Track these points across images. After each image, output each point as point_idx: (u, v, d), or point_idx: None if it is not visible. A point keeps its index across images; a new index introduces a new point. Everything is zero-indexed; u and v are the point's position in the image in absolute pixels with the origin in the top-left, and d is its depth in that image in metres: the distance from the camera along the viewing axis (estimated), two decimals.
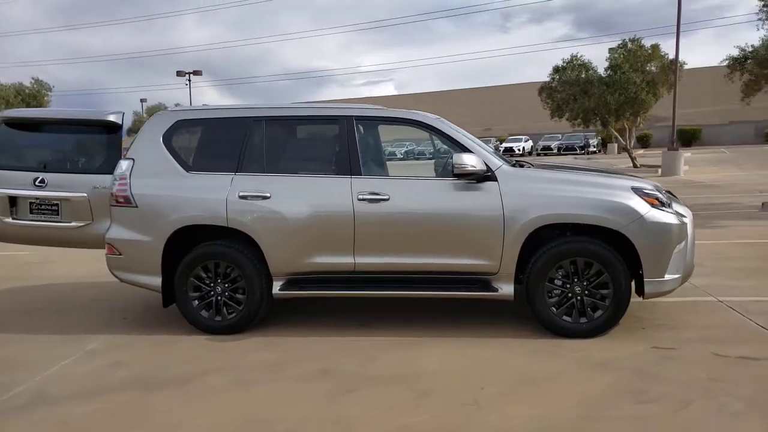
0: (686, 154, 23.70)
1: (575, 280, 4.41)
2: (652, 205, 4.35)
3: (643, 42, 22.81)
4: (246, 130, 4.78)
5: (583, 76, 23.56)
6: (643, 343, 4.30)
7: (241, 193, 4.61)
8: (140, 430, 3.27)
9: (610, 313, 4.39)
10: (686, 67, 22.99)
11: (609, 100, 22.03)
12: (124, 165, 4.83)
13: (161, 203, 4.72)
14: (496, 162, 4.51)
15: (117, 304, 5.84)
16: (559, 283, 4.44)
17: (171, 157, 4.80)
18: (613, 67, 22.47)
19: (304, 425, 3.26)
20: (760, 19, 11.71)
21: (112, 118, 5.08)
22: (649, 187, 4.47)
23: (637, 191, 4.38)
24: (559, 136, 46.12)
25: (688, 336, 4.42)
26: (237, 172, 4.71)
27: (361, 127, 4.77)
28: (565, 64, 24.02)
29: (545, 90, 24.51)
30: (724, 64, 12.31)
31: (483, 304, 5.11)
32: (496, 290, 4.48)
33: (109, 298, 6.07)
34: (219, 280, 4.74)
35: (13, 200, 5.12)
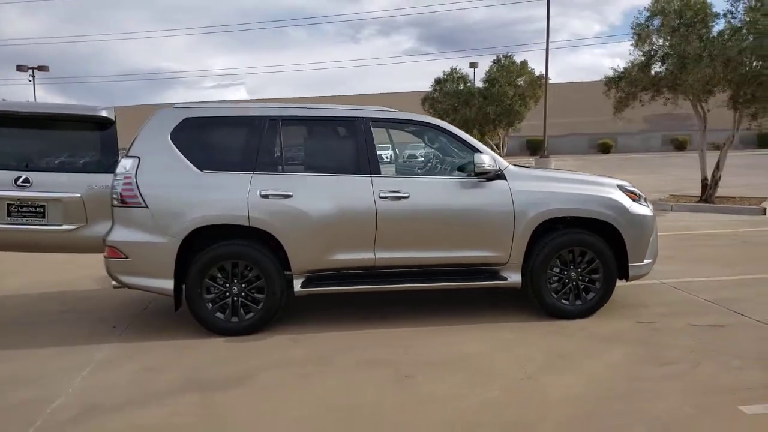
0: (554, 161, 26.29)
1: (571, 267, 4.98)
2: (633, 200, 5.06)
3: (514, 58, 24.97)
4: (261, 130, 4.76)
5: (461, 87, 25.21)
6: (627, 320, 4.97)
7: (263, 192, 4.59)
8: (239, 427, 3.23)
9: (601, 295, 5.01)
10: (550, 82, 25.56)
11: (488, 111, 23.82)
12: (128, 163, 4.57)
13: (175, 203, 4.54)
14: (503, 162, 4.96)
15: (95, 314, 5.44)
16: (557, 270, 4.99)
17: (182, 155, 4.63)
18: (490, 80, 24.32)
19: (388, 407, 3.42)
20: (632, 45, 13.55)
21: (104, 113, 4.78)
22: (628, 185, 5.18)
23: (621, 188, 5.08)
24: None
25: (659, 311, 5.18)
26: (255, 171, 4.67)
27: (375, 129, 4.96)
28: (445, 77, 25.52)
29: (428, 100, 25.85)
30: (603, 81, 14.01)
31: (477, 293, 5.55)
32: (505, 279, 4.91)
33: (81, 308, 5.62)
34: (235, 281, 4.66)
35: None
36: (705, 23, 12.09)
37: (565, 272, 4.98)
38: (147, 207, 4.50)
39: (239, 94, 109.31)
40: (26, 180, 4.61)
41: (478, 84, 25.69)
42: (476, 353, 4.26)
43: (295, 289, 4.70)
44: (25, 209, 4.64)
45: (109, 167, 4.69)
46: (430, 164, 5.34)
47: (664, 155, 43.01)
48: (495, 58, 24.76)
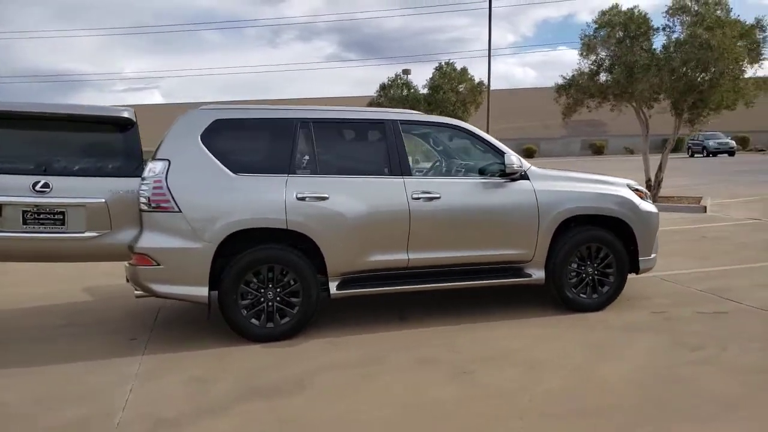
0: None
1: (588, 262, 5.24)
2: (641, 198, 5.39)
3: (455, 66, 25.65)
4: (293, 132, 4.71)
5: (406, 93, 25.61)
6: (639, 311, 5.27)
7: (299, 195, 4.54)
8: (322, 430, 3.20)
9: (615, 288, 5.30)
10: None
11: None
12: (158, 166, 4.40)
13: (210, 207, 4.41)
14: (526, 163, 5.14)
15: (105, 326, 5.17)
16: (574, 266, 5.23)
17: (214, 158, 4.51)
18: (434, 87, 24.84)
19: (460, 402, 3.48)
20: (579, 54, 14.30)
21: (126, 114, 4.56)
22: (635, 184, 5.51)
23: (630, 187, 5.39)
24: None
25: (663, 302, 5.52)
26: (290, 173, 4.62)
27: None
28: (390, 82, 25.83)
29: (373, 106, 26.03)
30: (553, 88, 14.69)
31: (483, 291, 5.68)
32: (529, 276, 5.10)
33: (85, 321, 5.32)
34: (270, 285, 4.58)
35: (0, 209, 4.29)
36: (647, 36, 12.97)
37: (583, 267, 5.23)
38: (180, 211, 4.34)
39: (153, 97, 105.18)
40: (46, 185, 4.31)
41: (421, 90, 26.14)
42: (518, 348, 4.40)
43: (332, 292, 4.67)
44: (42, 216, 4.35)
45: (134, 171, 4.49)
46: (454, 166, 5.45)
47: (584, 159, 45.29)
48: (437, 64, 25.36)
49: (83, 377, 3.98)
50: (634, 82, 12.60)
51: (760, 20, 12.35)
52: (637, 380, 3.76)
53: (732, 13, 12.03)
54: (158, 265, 4.34)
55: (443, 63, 25.26)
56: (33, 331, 5.06)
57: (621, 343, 4.46)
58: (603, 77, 13.85)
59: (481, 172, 5.07)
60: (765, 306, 5.27)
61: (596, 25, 13.44)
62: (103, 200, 4.39)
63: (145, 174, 4.41)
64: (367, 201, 4.68)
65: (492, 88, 25.16)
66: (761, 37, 12.14)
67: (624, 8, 12.94)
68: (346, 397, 3.61)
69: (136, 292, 4.67)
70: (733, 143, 41.16)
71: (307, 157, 4.72)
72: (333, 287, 4.68)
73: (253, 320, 4.56)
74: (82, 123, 4.53)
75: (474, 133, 5.15)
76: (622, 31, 13.00)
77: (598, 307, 5.25)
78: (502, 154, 5.05)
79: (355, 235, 4.64)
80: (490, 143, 5.12)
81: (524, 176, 5.05)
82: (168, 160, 4.42)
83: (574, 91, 14.30)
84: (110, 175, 4.46)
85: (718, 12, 11.86)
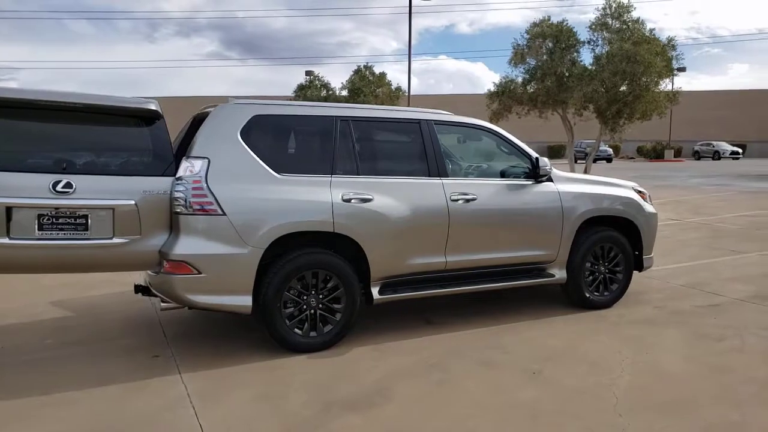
0: None
1: (600, 261, 5.47)
2: (644, 200, 5.71)
3: (374, 69, 25.82)
4: (334, 131, 4.49)
5: (323, 95, 25.38)
6: (643, 306, 5.58)
7: (345, 196, 4.34)
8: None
9: (623, 286, 5.57)
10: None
11: None
12: (197, 165, 4.01)
13: (256, 209, 4.10)
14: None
15: (115, 343, 4.62)
16: (589, 265, 5.43)
17: (256, 157, 4.19)
18: (354, 90, 24.82)
19: (553, 401, 3.49)
20: (509, 63, 14.98)
21: (152, 106, 4.11)
22: (638, 186, 5.83)
23: (635, 190, 5.70)
24: None
25: (657, 297, 5.88)
26: (333, 174, 4.40)
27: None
28: (308, 83, 25.47)
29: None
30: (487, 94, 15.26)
31: (496, 292, 5.77)
32: (552, 276, 5.23)
33: (77, 341, 4.71)
34: (313, 292, 4.33)
35: (8, 213, 3.69)
36: (575, 48, 13.86)
37: (596, 266, 5.45)
38: (224, 214, 3.99)
39: None
40: (68, 185, 3.76)
41: (338, 92, 26.02)
42: (564, 346, 4.49)
43: (375, 297, 4.51)
44: (61, 220, 3.79)
45: (165, 170, 4.05)
46: (483, 167, 5.45)
47: None
48: (356, 67, 25.39)
49: (130, 402, 3.53)
50: (565, 91, 13.39)
51: (671, 39, 13.62)
52: (694, 371, 3.98)
53: (650, 32, 13.13)
54: (200, 273, 3.95)
55: (362, 66, 25.33)
56: (34, 352, 4.41)
57: (652, 337, 4.68)
58: (532, 86, 14.62)
59: (508, 174, 5.13)
60: (747, 297, 5.79)
61: (528, 36, 14.13)
62: (133, 202, 3.92)
63: (182, 173, 4.01)
64: (409, 202, 4.57)
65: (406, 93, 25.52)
66: (673, 54, 13.37)
67: (554, 21, 13.69)
68: (438, 405, 3.49)
69: (162, 304, 4.22)
70: (610, 150, 44.96)
71: (349, 157, 4.52)
72: (375, 292, 4.52)
73: (296, 329, 4.29)
74: (103, 115, 4.01)
75: (502, 135, 5.20)
76: (552, 43, 13.77)
77: (608, 304, 5.49)
78: (528, 156, 5.15)
79: (397, 238, 4.51)
80: (517, 145, 5.20)
81: (549, 178, 5.17)
82: (207, 158, 4.05)
83: (506, 97, 14.95)
84: (139, 174, 3.99)
85: (641, 29, 12.90)
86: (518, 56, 14.11)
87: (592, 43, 13.43)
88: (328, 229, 4.28)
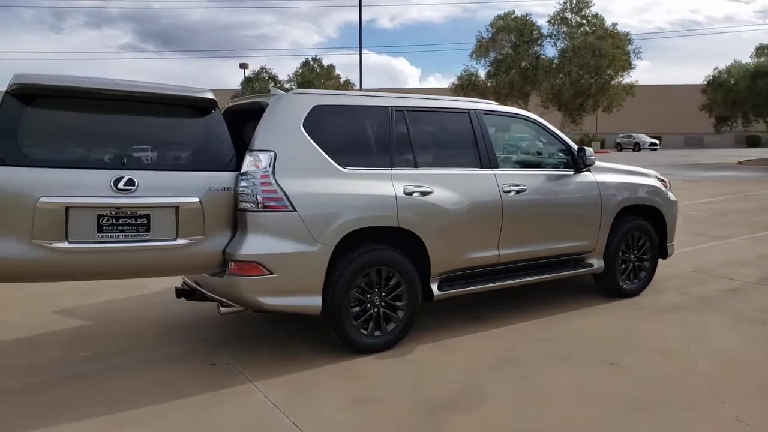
0: None
1: (630, 250, 5.57)
2: (665, 188, 5.86)
3: (323, 62, 25.43)
4: (391, 121, 4.32)
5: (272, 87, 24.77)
6: (669, 293, 5.72)
7: (406, 190, 4.19)
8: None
9: (651, 274, 5.71)
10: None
11: None
12: (264, 159, 3.75)
13: (325, 205, 3.88)
14: None
15: (153, 354, 4.27)
16: (620, 254, 5.52)
17: (320, 149, 3.96)
18: (304, 83, 24.36)
19: (648, 392, 3.50)
20: (470, 56, 15.13)
21: (210, 95, 3.81)
22: (660, 175, 5.97)
23: (658, 179, 5.84)
24: None
25: (676, 284, 6.05)
26: (393, 167, 4.24)
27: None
28: (255, 75, 24.77)
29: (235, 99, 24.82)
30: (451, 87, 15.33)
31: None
32: (591, 266, 5.27)
33: (115, 352, 4.34)
34: (376, 290, 4.16)
35: (66, 214, 3.31)
36: (539, 42, 14.15)
37: (627, 255, 5.55)
38: (295, 211, 3.75)
39: None
40: (130, 181, 3.40)
41: (287, 85, 25.45)
42: (620, 335, 4.53)
43: (435, 293, 4.39)
44: (122, 221, 3.43)
45: (228, 164, 3.76)
46: (523, 157, 5.40)
47: None
48: (304, 60, 24.93)
49: (216, 415, 3.26)
50: (530, 84, 13.66)
51: (628, 34, 14.14)
52: (763, 356, 4.10)
53: (612, 27, 13.57)
54: (272, 273, 3.70)
55: (310, 59, 24.89)
56: (74, 366, 4.00)
57: (696, 323, 4.80)
58: (495, 79, 14.83)
59: (547, 165, 5.13)
60: (759, 281, 6.07)
61: (493, 30, 14.29)
62: (197, 200, 3.61)
63: (247, 168, 3.74)
64: (466, 195, 4.47)
65: (357, 87, 25.33)
66: (631, 48, 13.89)
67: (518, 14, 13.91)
68: (536, 401, 3.42)
69: (222, 309, 3.92)
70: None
71: (405, 149, 4.36)
72: (434, 288, 4.40)
73: (362, 330, 4.11)
74: (161, 105, 3.66)
75: (543, 125, 5.18)
76: (516, 36, 14.00)
77: (637, 292, 5.60)
78: (569, 145, 5.16)
79: (456, 232, 4.40)
80: (558, 135, 5.20)
81: (587, 168, 5.21)
82: (273, 151, 3.79)
83: (470, 91, 15.08)
84: (202, 170, 3.67)
85: (601, 24, 13.30)
86: (482, 49, 14.27)
87: (553, 37, 13.81)
88: (393, 223, 4.12)
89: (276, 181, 3.73)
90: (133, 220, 3.46)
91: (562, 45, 13.66)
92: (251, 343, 4.43)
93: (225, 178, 3.72)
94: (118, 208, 3.40)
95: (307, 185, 3.84)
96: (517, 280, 4.84)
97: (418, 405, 3.36)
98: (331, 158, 3.99)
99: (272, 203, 3.71)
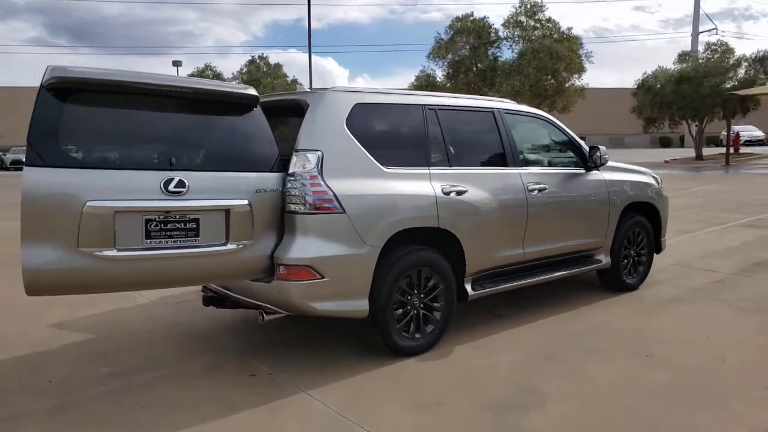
0: None
1: (630, 246, 5.78)
2: (658, 185, 6.13)
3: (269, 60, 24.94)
4: (425, 120, 4.28)
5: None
6: (664, 285, 5.99)
7: (444, 189, 4.16)
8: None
9: (648, 268, 5.95)
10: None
11: None
12: (312, 159, 3.61)
13: (372, 205, 3.79)
14: None
15: (179, 367, 4.01)
16: (623, 250, 5.72)
17: (363, 149, 3.86)
18: (252, 81, 23.76)
19: (689, 382, 3.64)
20: (427, 57, 15.27)
21: (253, 92, 3.63)
22: (653, 173, 6.22)
23: (653, 177, 6.09)
24: None
25: (666, 277, 6.33)
26: (430, 166, 4.19)
27: None
28: (200, 73, 23.96)
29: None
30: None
31: None
32: (600, 261, 5.43)
33: (134, 366, 4.05)
34: (415, 291, 4.11)
35: (114, 219, 3.05)
36: (497, 44, 14.49)
37: (628, 250, 5.76)
38: (344, 212, 3.64)
39: None
40: (181, 183, 3.17)
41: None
42: (642, 328, 4.68)
43: (470, 293, 4.38)
44: (170, 225, 3.19)
45: (273, 164, 3.59)
46: (538, 156, 5.46)
47: None
48: (251, 57, 24.34)
49: (280, 428, 3.11)
50: (489, 85, 13.96)
51: (579, 38, 14.74)
52: None
53: (568, 30, 14.10)
54: (322, 277, 3.57)
55: (256, 57, 24.33)
56: (99, 384, 3.69)
57: (702, 315, 5.02)
58: (454, 80, 15.06)
59: (557, 164, 5.24)
60: (737, 271, 6.45)
61: (452, 32, 14.49)
62: (247, 202, 3.43)
63: (294, 169, 3.59)
64: (497, 194, 4.49)
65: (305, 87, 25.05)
66: (583, 52, 14.48)
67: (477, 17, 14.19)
68: (595, 396, 3.48)
69: (267, 316, 3.74)
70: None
71: (439, 147, 4.33)
72: (468, 288, 4.39)
73: (403, 332, 4.05)
74: (206, 102, 3.44)
75: (557, 125, 5.29)
76: (475, 39, 14.27)
77: (636, 286, 5.82)
78: (579, 145, 5.29)
79: (489, 231, 4.42)
80: (570, 135, 5.32)
81: (596, 167, 5.36)
82: (320, 151, 3.66)
83: (431, 91, 15.22)
84: (249, 170, 3.49)
85: (557, 28, 13.80)
86: (441, 50, 14.43)
87: (509, 40, 14.18)
88: (433, 224, 4.08)
89: (325, 181, 3.61)
90: (182, 224, 3.25)
91: (519, 47, 14.08)
92: (281, 350, 4.27)
93: (272, 179, 3.56)
94: (167, 212, 3.18)
95: (353, 186, 3.74)
96: (540, 278, 4.91)
97: (482, 407, 3.33)
98: (374, 158, 3.90)
99: (322, 204, 3.58)
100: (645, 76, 25.26)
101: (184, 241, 3.25)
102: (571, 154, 5.31)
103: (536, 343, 4.35)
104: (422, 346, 4.13)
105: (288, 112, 3.94)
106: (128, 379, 3.78)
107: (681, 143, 47.04)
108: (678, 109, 24.47)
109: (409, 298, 4.07)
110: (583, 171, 5.26)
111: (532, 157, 5.11)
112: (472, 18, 13.75)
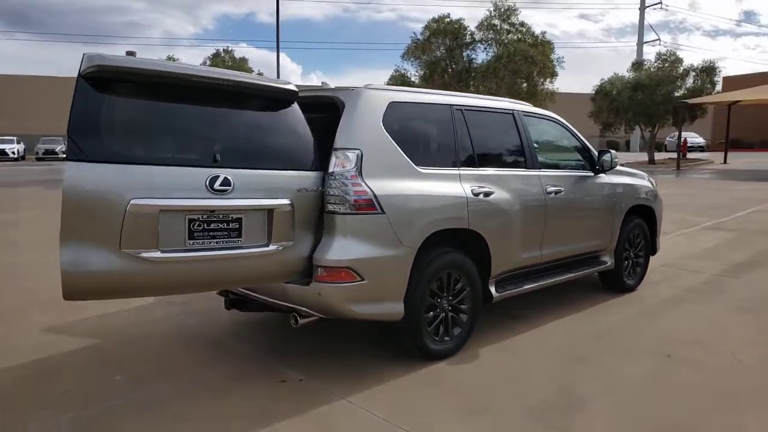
0: None
1: (630, 247, 5.90)
2: (654, 188, 6.27)
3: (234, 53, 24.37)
4: (453, 120, 4.22)
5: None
6: (658, 286, 6.13)
7: (474, 191, 4.12)
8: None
9: (644, 269, 6.08)
10: None
11: None
12: (351, 158, 3.50)
13: (408, 206, 3.70)
14: None
15: (205, 374, 3.81)
16: (624, 252, 5.83)
17: (399, 148, 3.77)
18: None
19: (718, 382, 3.74)
20: (402, 57, 15.26)
21: (293, 87, 3.48)
22: (649, 177, 6.36)
23: (649, 180, 6.23)
24: (60, 138, 40.68)
25: (658, 278, 6.50)
26: (459, 166, 4.14)
27: None
28: None
29: None
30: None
31: None
32: (605, 263, 5.51)
33: (150, 372, 3.83)
34: (444, 294, 4.05)
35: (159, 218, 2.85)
36: (473, 46, 14.61)
37: (628, 252, 5.87)
38: (384, 212, 3.54)
39: None
40: (226, 181, 2.99)
41: None
42: (658, 327, 4.75)
43: (494, 295, 4.35)
44: (213, 225, 3.01)
45: (312, 162, 3.46)
46: (549, 158, 5.47)
47: None
48: (215, 51, 23.70)
49: None
50: (464, 87, 14.05)
51: (552, 42, 15.03)
52: None
53: (542, 35, 14.36)
54: (362, 279, 3.46)
55: (221, 50, 23.73)
56: (120, 394, 3.46)
57: (704, 314, 5.17)
58: (430, 81, 15.10)
59: (575, 166, 5.28)
60: (721, 272, 6.69)
61: (428, 32, 14.52)
62: (289, 202, 3.28)
63: (334, 168, 3.47)
64: (519, 195, 4.48)
65: None
66: (555, 57, 14.79)
67: (453, 18, 14.27)
68: (637, 397, 3.50)
69: (301, 320, 3.60)
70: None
71: (466, 148, 4.28)
72: (493, 290, 4.37)
73: (434, 335, 3.98)
74: (248, 96, 3.27)
75: (568, 127, 5.33)
76: (451, 40, 14.34)
77: (635, 287, 5.95)
78: (588, 148, 5.35)
79: (513, 232, 4.41)
80: (580, 137, 5.37)
81: (603, 170, 5.43)
82: (359, 150, 3.54)
83: None
84: (291, 169, 3.34)
85: (530, 32, 14.03)
86: (419, 49, 14.44)
87: (484, 43, 14.32)
88: (464, 225, 4.03)
89: (365, 181, 3.50)
90: (225, 224, 3.08)
91: (494, 50, 14.24)
92: (302, 354, 4.13)
93: (312, 178, 3.43)
94: (211, 211, 3.01)
95: (391, 186, 3.64)
96: (556, 279, 4.93)
97: (528, 411, 3.30)
98: (408, 157, 3.81)
99: (362, 205, 3.47)
100: (602, 82, 26.11)
101: (226, 242, 3.08)
102: (580, 157, 5.37)
103: (559, 345, 4.36)
104: (451, 350, 4.07)
105: (318, 108, 3.80)
106: (149, 388, 3.56)
107: (627, 147, 48.76)
108: (634, 115, 25.37)
109: (438, 300, 4.00)
110: (592, 174, 5.32)
111: (547, 159, 5.13)
112: (448, 19, 13.85)
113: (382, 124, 3.73)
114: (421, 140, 4.13)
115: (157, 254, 2.85)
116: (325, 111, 3.76)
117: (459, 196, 4.00)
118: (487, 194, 4.20)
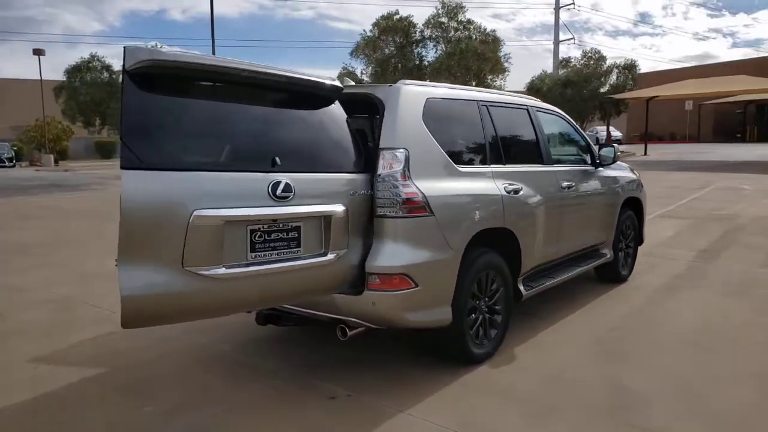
0: None
1: (623, 239, 6.03)
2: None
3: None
4: (480, 116, 4.12)
5: (105, 77, 21.91)
6: (647, 275, 6.32)
7: (506, 188, 4.03)
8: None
9: (633, 259, 6.24)
10: None
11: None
12: (400, 158, 3.31)
13: (453, 207, 3.57)
14: None
15: (244, 395, 3.50)
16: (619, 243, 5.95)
17: (440, 147, 3.62)
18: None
19: (751, 373, 3.86)
20: (350, 54, 15.06)
21: (337, 82, 3.25)
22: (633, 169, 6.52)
23: (631, 170, 6.38)
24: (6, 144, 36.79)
25: (643, 268, 6.68)
26: (490, 164, 4.04)
27: None
28: (83, 64, 21.71)
29: (66, 90, 21.47)
30: None
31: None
32: (605, 255, 5.59)
33: (180, 400, 3.48)
34: (482, 295, 3.95)
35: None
36: (423, 44, 14.63)
37: (622, 243, 5.99)
38: (433, 215, 3.38)
39: None
40: (287, 188, 2.72)
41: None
42: (668, 318, 4.84)
43: (523, 293, 4.29)
44: (273, 236, 2.73)
45: (360, 164, 3.24)
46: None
47: None
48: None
49: None
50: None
51: (501, 40, 15.31)
52: None
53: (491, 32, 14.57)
54: (416, 286, 3.29)
55: (155, 44, 22.46)
56: (156, 427, 3.10)
57: (702, 300, 5.35)
58: (382, 78, 14.97)
59: (580, 161, 5.32)
60: (694, 258, 7.01)
61: (378, 30, 14.40)
62: (344, 207, 3.06)
63: (383, 170, 3.27)
64: (541, 191, 4.44)
65: None
66: (502, 54, 15.06)
67: (401, 16, 14.22)
68: (693, 389, 3.53)
69: (350, 332, 3.37)
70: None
71: (494, 145, 4.18)
72: (522, 288, 4.31)
73: (475, 339, 3.87)
74: (300, 95, 3.00)
75: (571, 122, 5.35)
76: (401, 38, 14.30)
77: (627, 277, 6.09)
78: (589, 143, 5.41)
79: (538, 229, 4.37)
80: (581, 132, 5.42)
81: (601, 165, 5.50)
82: (406, 149, 3.36)
83: None
84: (342, 171, 3.11)
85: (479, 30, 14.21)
86: (369, 46, 14.28)
87: (433, 40, 14.38)
88: (501, 224, 3.94)
89: (414, 182, 3.33)
90: (285, 234, 2.82)
91: (443, 47, 14.31)
92: (336, 367, 3.89)
93: (362, 180, 3.22)
94: (274, 220, 2.74)
95: (437, 186, 3.49)
96: (570, 274, 4.92)
97: (594, 410, 3.26)
98: (450, 156, 3.68)
99: (414, 207, 3.30)
100: (533, 79, 26.98)
101: (287, 253, 2.83)
102: (581, 151, 5.42)
103: (586, 340, 4.35)
104: (490, 352, 3.97)
105: (352, 107, 3.58)
106: (189, 419, 3.23)
107: None
108: (566, 111, 26.36)
109: (477, 302, 3.89)
110: (593, 168, 5.38)
111: (557, 154, 5.13)
112: (398, 16, 13.77)
113: (422, 121, 3.57)
114: (455, 138, 3.99)
115: (222, 270, 2.56)
116: (360, 109, 3.56)
117: (495, 195, 3.90)
118: (516, 191, 4.13)
